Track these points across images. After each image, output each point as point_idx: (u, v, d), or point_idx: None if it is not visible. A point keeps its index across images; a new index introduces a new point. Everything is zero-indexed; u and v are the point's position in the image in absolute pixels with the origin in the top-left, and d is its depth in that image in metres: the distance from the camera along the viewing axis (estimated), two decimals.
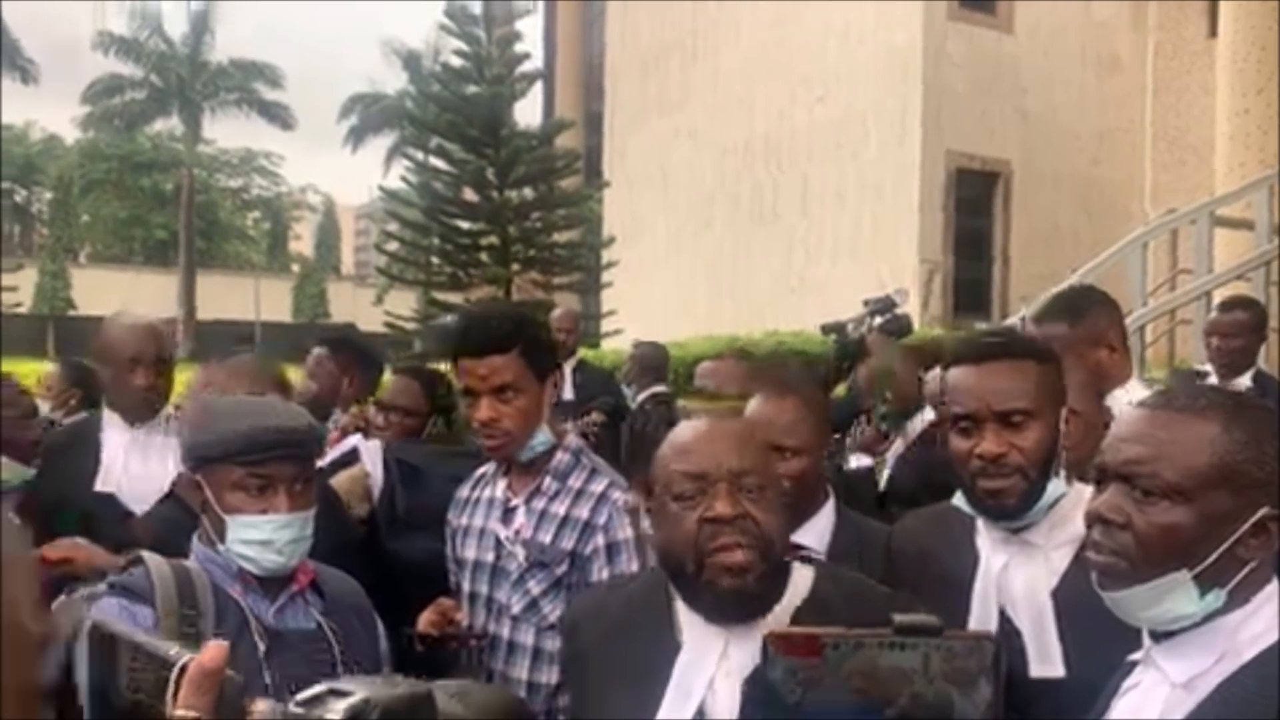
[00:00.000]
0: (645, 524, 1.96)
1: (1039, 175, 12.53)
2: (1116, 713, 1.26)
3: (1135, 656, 1.26)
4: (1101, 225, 11.12)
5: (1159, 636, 1.22)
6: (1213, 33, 9.66)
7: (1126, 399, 2.17)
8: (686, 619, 1.46)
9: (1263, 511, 1.16)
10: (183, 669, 0.78)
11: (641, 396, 5.17)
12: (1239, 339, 4.27)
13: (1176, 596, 1.17)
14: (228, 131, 40.56)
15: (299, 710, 0.76)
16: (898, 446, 3.83)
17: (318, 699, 0.77)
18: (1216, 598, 1.17)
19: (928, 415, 3.81)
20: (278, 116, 37.01)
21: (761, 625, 1.37)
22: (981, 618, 1.60)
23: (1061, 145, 12.47)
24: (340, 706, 0.75)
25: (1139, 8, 12.76)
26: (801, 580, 1.47)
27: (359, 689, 0.77)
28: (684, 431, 1.50)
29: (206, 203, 40.42)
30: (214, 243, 42.87)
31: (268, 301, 37.98)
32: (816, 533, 1.96)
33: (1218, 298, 6.68)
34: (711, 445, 1.44)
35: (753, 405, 2.03)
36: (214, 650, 0.78)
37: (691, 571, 1.41)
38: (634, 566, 1.92)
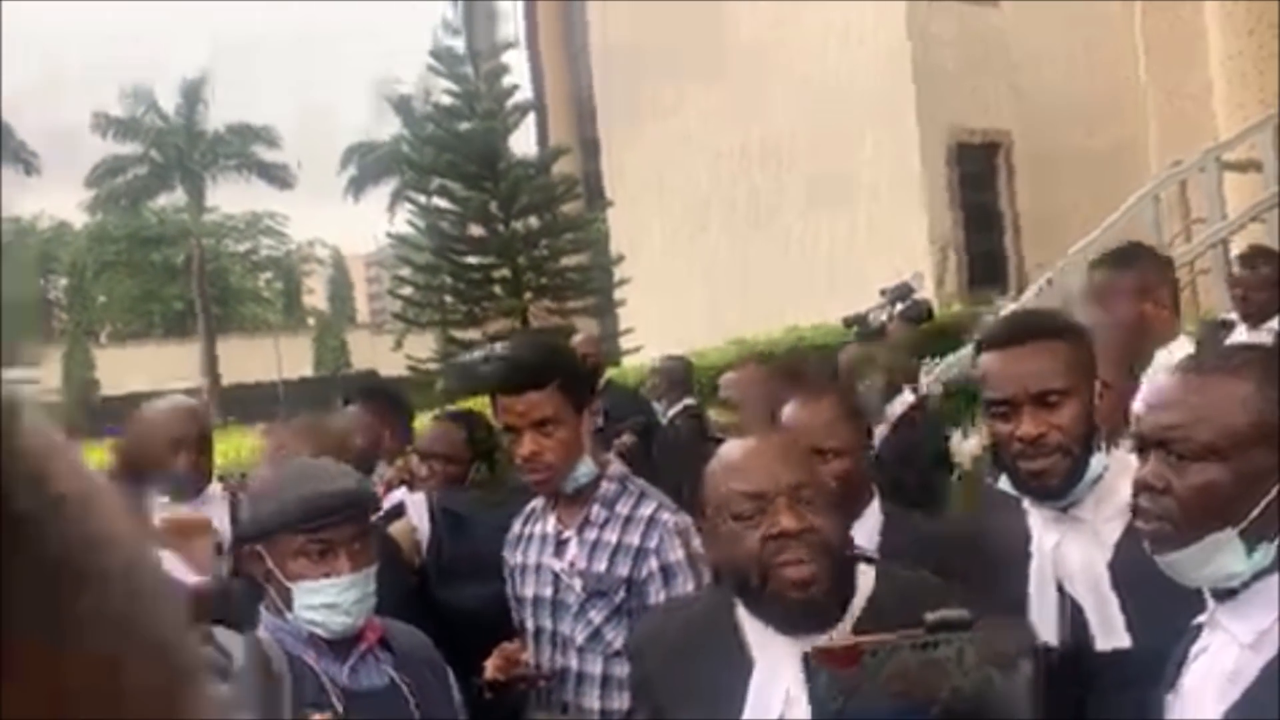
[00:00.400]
0: (697, 543, 1.99)
1: (1039, 143, 12.49)
2: (1189, 678, 1.27)
3: (1200, 619, 1.27)
4: (1109, 185, 11.05)
5: (1221, 597, 1.23)
6: None
7: (1170, 359, 2.16)
8: (756, 636, 1.47)
9: None
10: None
11: (672, 411, 5.20)
12: (1263, 291, 4.35)
13: (1225, 555, 1.19)
14: (230, 197, 41.00)
15: None
16: (881, 430, 3.88)
17: None
18: (1265, 553, 1.18)
19: (907, 398, 3.84)
20: (277, 177, 37.46)
21: (834, 633, 1.39)
22: (1041, 598, 1.61)
23: (1058, 112, 12.42)
24: None
25: None
26: (865, 583, 1.49)
27: None
28: (733, 450, 1.53)
29: (218, 269, 40.84)
30: (229, 307, 43.28)
31: (289, 359, 38.27)
32: (866, 532, 1.98)
33: (1235, 243, 6.66)
34: (765, 461, 1.47)
35: (788, 411, 2.05)
36: None
37: (757, 587, 1.43)
38: (690, 587, 1.94)
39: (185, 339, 39.66)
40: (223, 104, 38.12)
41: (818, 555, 1.41)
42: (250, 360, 37.99)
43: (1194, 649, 1.28)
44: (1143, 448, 1.26)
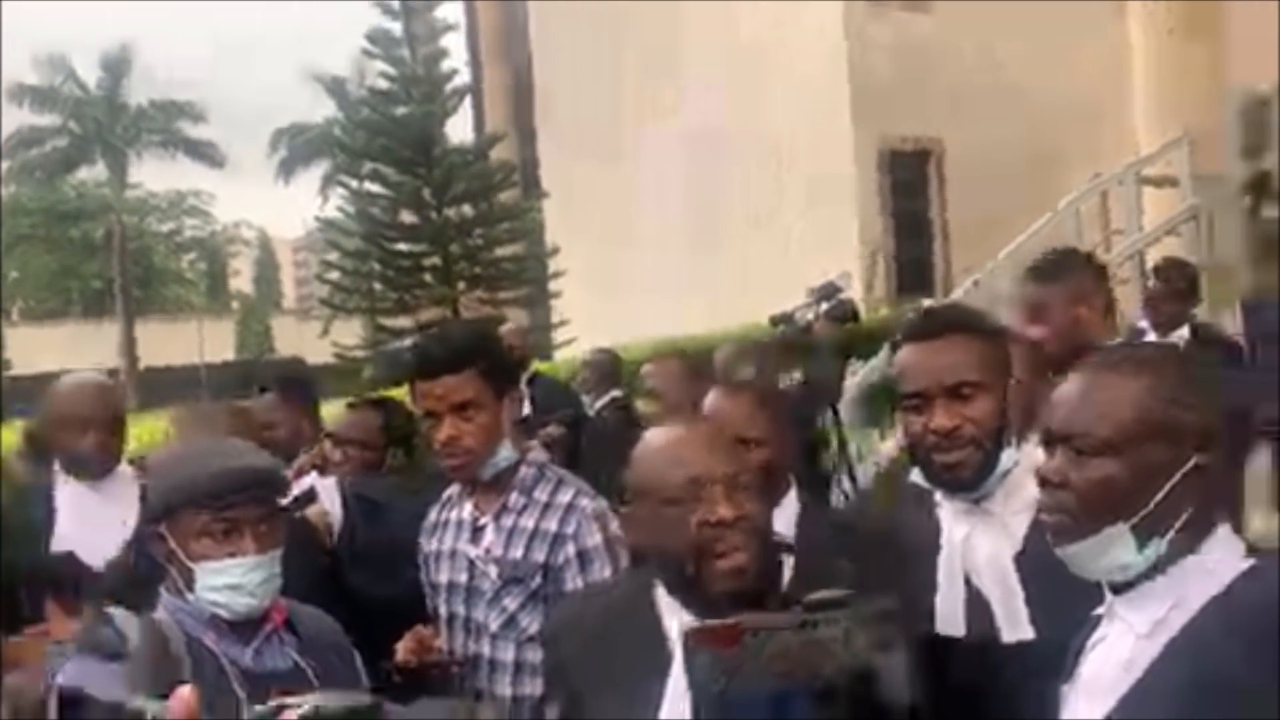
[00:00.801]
0: (615, 529, 1.98)
1: (970, 151, 12.75)
2: (1086, 668, 1.31)
3: (1099, 611, 1.30)
4: (1035, 194, 11.34)
5: (1119, 589, 1.26)
6: None
7: None
8: (676, 623, 1.45)
9: (1193, 460, 1.20)
10: None
11: (599, 404, 5.19)
12: (1174, 303, 4.67)
13: (1117, 548, 1.22)
14: (154, 174, 39.80)
15: None
16: None
17: (270, 713, 0.78)
18: (1156, 547, 1.21)
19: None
20: (205, 155, 36.47)
21: None
22: (949, 589, 1.64)
23: (989, 119, 12.69)
24: (291, 716, 0.77)
25: None
26: (785, 572, 1.50)
27: (309, 699, 0.78)
28: (667, 435, 1.52)
29: (140, 248, 39.64)
30: (151, 288, 42.07)
31: (211, 343, 37.34)
32: (783, 521, 1.99)
33: (1151, 255, 6.89)
34: (701, 448, 1.46)
35: (709, 401, 2.05)
36: (183, 699, 0.79)
37: (690, 576, 1.42)
38: (607, 573, 1.94)
39: (103, 319, 38.44)
40: (148, 78, 36.84)
41: (751, 544, 1.41)
42: (171, 343, 36.97)
43: (1091, 639, 1.31)
44: (1048, 442, 1.29)
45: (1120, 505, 1.21)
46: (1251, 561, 1.23)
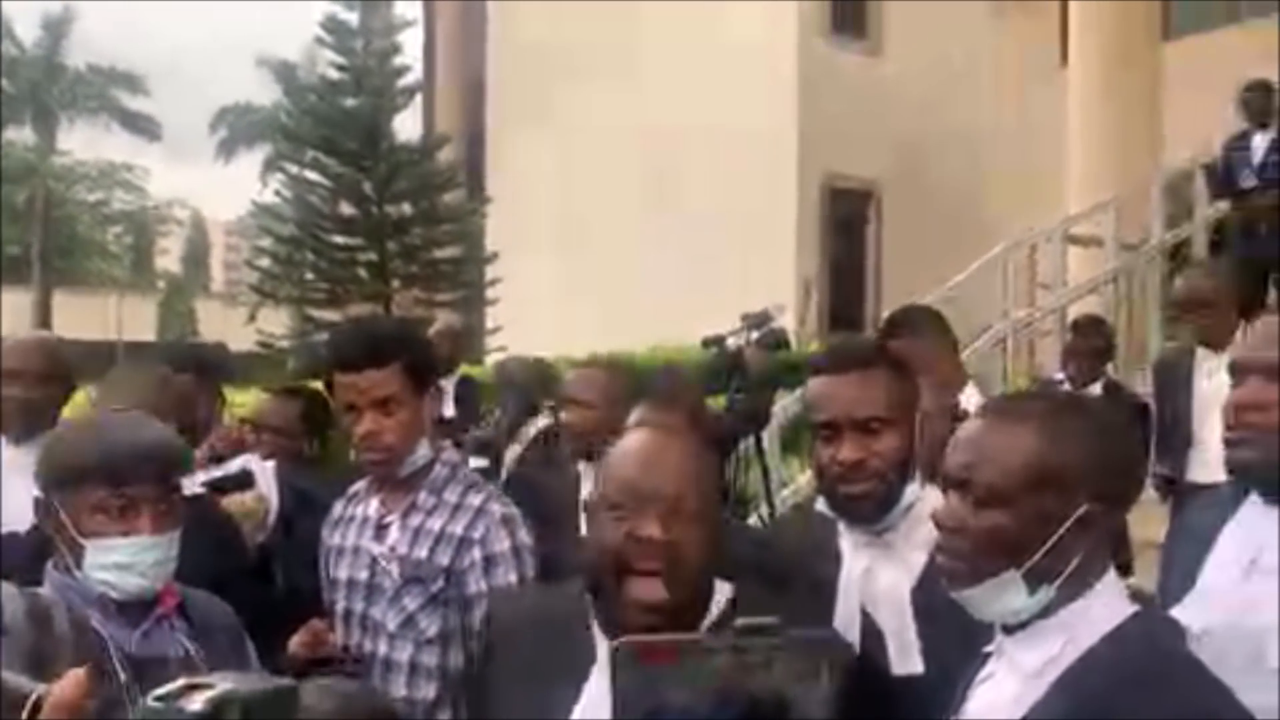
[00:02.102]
0: (524, 535, 1.98)
1: (909, 195, 13.05)
2: (972, 704, 1.34)
3: (989, 648, 1.33)
4: (967, 242, 11.64)
5: (1009, 629, 1.29)
6: (1065, 61, 10.29)
7: (966, 403, 2.34)
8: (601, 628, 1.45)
9: (1082, 509, 1.23)
10: (37, 704, 0.75)
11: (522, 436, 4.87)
12: (1090, 359, 4.87)
13: (1009, 594, 1.24)
14: (87, 142, 38.57)
15: (158, 705, 0.74)
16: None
17: (177, 693, 0.75)
18: (1046, 593, 1.24)
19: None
20: (142, 128, 35.50)
21: None
22: (845, 619, 1.66)
23: (930, 166, 13.01)
24: (200, 699, 0.74)
25: (999, 37, 13.44)
26: (720, 597, 1.47)
27: (221, 682, 0.75)
28: (633, 441, 1.50)
29: (63, 216, 38.38)
30: (73, 259, 40.72)
31: (131, 320, 36.24)
32: None
33: (1073, 310, 7.12)
34: (654, 461, 1.43)
35: (639, 416, 2.05)
36: (71, 682, 0.76)
37: (610, 586, 1.40)
38: (512, 578, 1.93)
39: (20, 286, 37.06)
40: (90, 44, 35.77)
41: (674, 570, 1.37)
42: (89, 317, 35.78)
43: (980, 676, 1.34)
44: (945, 486, 1.32)
45: (1012, 552, 1.23)
46: (1136, 608, 1.27)
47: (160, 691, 0.75)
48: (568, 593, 1.54)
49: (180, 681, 0.76)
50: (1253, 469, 1.52)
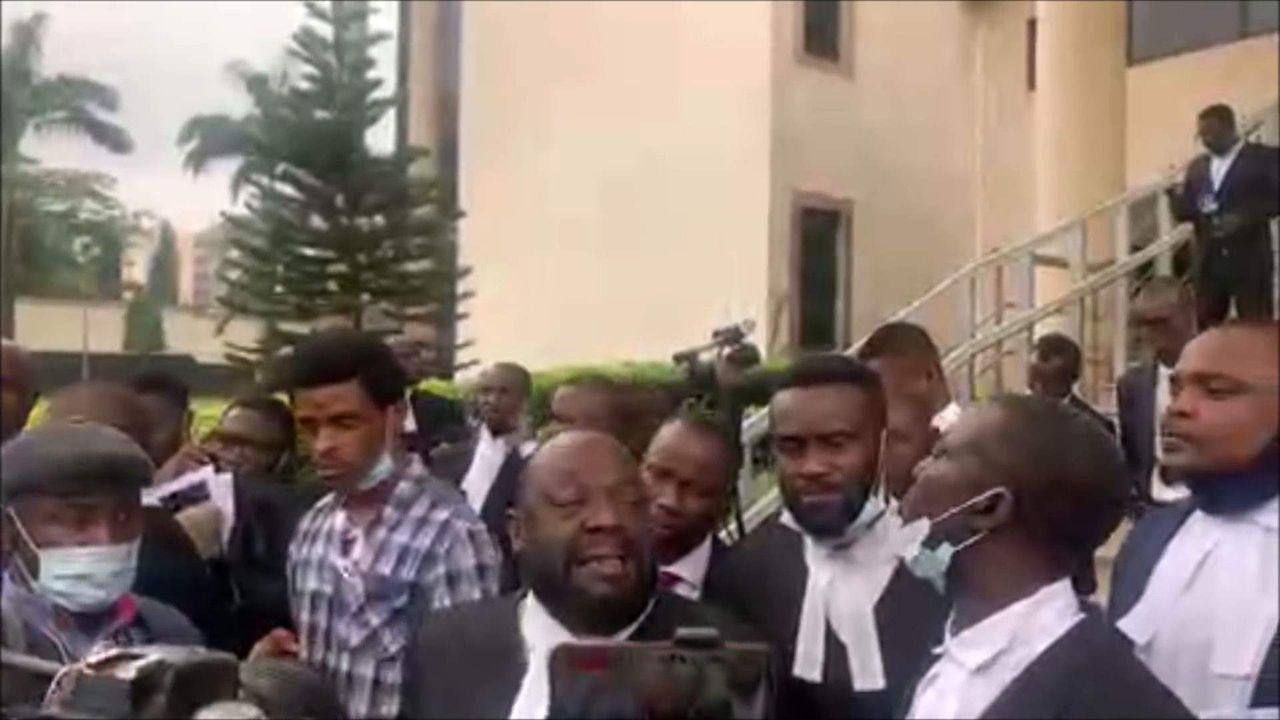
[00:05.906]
0: (489, 553, 1.97)
1: (879, 214, 13.18)
2: (920, 706, 1.35)
3: (937, 650, 1.35)
4: (937, 262, 11.77)
5: (956, 630, 1.31)
6: (1032, 86, 10.45)
7: (945, 422, 2.34)
8: (536, 639, 1.46)
9: (997, 489, 1.28)
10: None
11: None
12: (1053, 381, 4.91)
13: (915, 540, 1.33)
14: (55, 152, 38.09)
15: (90, 671, 0.73)
16: None
17: (110, 661, 0.74)
18: (945, 552, 1.30)
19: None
20: (110, 138, 35.14)
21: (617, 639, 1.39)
22: (809, 633, 1.67)
23: (900, 186, 13.15)
24: (132, 667, 0.73)
25: (968, 62, 13.65)
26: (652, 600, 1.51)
27: (153, 652, 0.75)
28: (563, 442, 1.54)
29: (29, 226, 37.88)
30: (39, 269, 40.16)
31: (98, 332, 35.76)
32: (693, 563, 1.99)
33: (1039, 329, 7.20)
34: (593, 457, 1.49)
35: (669, 434, 2.04)
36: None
37: (561, 578, 1.43)
38: (476, 594, 1.91)
39: None
40: (62, 53, 35.36)
41: (629, 556, 1.43)
42: (53, 328, 35.29)
43: (926, 676, 1.36)
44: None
45: (931, 502, 1.32)
46: (1084, 616, 1.30)
47: (93, 659, 0.74)
48: (498, 608, 1.57)
49: (113, 650, 0.75)
50: (1184, 474, 1.57)
